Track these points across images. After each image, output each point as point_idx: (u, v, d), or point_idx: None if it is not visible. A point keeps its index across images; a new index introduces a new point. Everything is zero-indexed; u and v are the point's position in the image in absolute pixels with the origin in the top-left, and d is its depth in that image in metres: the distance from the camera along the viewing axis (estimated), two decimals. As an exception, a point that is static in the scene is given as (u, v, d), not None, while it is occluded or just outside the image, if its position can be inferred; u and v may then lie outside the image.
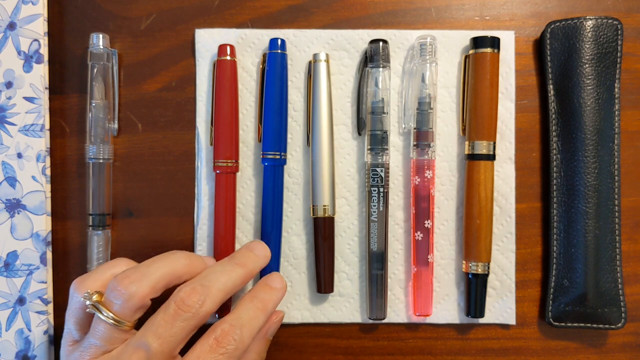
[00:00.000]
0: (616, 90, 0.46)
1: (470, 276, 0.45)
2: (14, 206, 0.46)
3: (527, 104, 0.48)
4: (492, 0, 0.48)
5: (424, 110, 0.45)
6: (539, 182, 0.48)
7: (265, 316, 0.39)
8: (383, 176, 0.45)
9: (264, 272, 0.45)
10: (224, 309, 0.45)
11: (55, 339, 0.47)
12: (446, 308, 0.47)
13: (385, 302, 0.46)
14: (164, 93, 0.48)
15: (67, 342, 0.39)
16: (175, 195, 0.48)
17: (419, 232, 0.45)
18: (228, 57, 0.46)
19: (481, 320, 0.46)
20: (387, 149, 0.45)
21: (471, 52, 0.46)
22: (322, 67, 0.46)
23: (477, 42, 0.45)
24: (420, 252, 0.45)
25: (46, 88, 0.47)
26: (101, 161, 0.46)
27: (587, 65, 0.45)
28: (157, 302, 0.49)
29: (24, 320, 0.45)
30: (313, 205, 0.46)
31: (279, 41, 0.46)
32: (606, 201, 0.45)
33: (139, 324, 0.38)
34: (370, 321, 0.46)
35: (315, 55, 0.46)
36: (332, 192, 0.46)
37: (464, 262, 0.46)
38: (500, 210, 0.47)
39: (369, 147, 0.46)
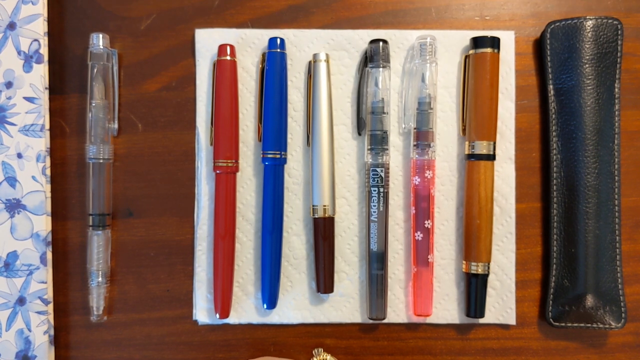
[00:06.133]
0: (616, 90, 0.46)
1: (470, 276, 0.45)
2: (14, 206, 0.46)
3: (527, 104, 0.48)
4: (492, 0, 0.48)
5: (424, 110, 0.45)
6: (539, 182, 0.48)
7: None
8: (383, 176, 0.45)
9: (265, 267, 0.46)
10: (224, 310, 0.45)
11: (55, 339, 0.47)
12: (446, 308, 0.47)
13: (385, 302, 0.46)
14: (164, 93, 0.48)
15: None
16: (175, 195, 0.48)
17: (419, 232, 0.45)
18: (228, 57, 0.46)
19: (481, 320, 0.46)
20: (387, 149, 0.45)
21: (471, 52, 0.46)
22: (322, 67, 0.46)
23: (477, 42, 0.45)
24: (420, 252, 0.45)
25: (46, 88, 0.47)
26: (101, 161, 0.46)
27: (587, 65, 0.45)
28: (158, 300, 0.49)
29: (24, 320, 0.45)
30: (313, 205, 0.46)
31: (278, 40, 0.46)
32: (606, 201, 0.45)
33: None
34: (370, 321, 0.46)
35: (315, 55, 0.46)
36: (332, 192, 0.46)
37: (464, 262, 0.46)
38: (500, 210, 0.47)
39: (369, 147, 0.46)
